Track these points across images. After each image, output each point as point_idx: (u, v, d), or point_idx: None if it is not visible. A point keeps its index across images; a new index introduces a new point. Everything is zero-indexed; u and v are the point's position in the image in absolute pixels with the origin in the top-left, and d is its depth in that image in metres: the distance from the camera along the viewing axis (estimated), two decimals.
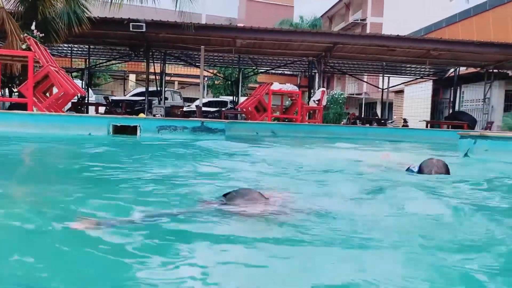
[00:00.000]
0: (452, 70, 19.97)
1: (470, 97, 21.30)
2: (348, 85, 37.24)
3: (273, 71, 24.65)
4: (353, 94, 35.43)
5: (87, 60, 20.44)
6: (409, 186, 2.71)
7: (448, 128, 16.27)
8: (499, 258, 1.40)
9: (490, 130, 15.19)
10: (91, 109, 17.88)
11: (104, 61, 21.95)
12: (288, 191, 2.56)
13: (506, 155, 3.92)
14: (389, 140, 9.26)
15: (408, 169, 3.35)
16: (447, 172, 3.13)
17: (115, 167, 3.19)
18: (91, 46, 18.30)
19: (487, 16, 20.35)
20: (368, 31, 34.85)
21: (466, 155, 4.44)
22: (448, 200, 2.26)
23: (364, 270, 1.27)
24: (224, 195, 2.07)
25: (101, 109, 17.92)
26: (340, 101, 25.65)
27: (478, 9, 21.05)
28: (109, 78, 32.01)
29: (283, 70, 25.83)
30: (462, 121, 16.22)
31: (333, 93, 26.34)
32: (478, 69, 18.36)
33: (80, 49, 19.58)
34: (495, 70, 17.39)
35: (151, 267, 1.27)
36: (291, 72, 28.73)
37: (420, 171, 3.18)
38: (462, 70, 20.09)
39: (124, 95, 23.74)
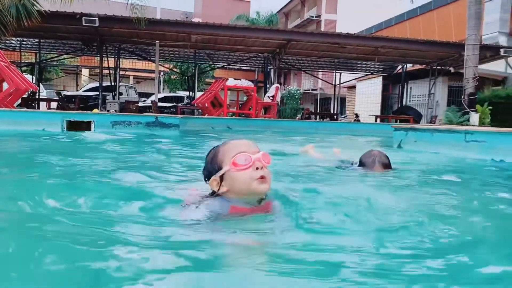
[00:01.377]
0: (400, 66, 20.97)
1: (417, 93, 22.42)
2: (304, 81, 38.01)
3: (231, 66, 24.84)
4: (309, 90, 36.20)
5: (38, 54, 19.81)
6: (354, 181, 2.78)
7: (396, 121, 17.13)
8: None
9: (434, 123, 16.14)
10: (42, 104, 17.41)
11: (56, 55, 21.34)
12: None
13: (430, 145, 4.39)
14: (338, 134, 9.73)
15: (344, 162, 3.30)
16: (388, 160, 3.08)
17: (66, 162, 3.32)
18: (42, 40, 17.77)
19: (432, 15, 21.50)
20: (322, 27, 35.71)
21: (399, 146, 4.90)
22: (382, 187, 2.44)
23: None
24: None
25: (53, 104, 17.49)
26: (296, 96, 26.18)
27: (424, 8, 22.19)
28: (61, 72, 31.06)
29: (240, 66, 26.06)
30: (409, 115, 17.11)
31: (290, 88, 26.86)
32: (423, 65, 19.42)
33: (30, 43, 18.96)
34: (438, 67, 18.46)
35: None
36: (249, 68, 29.02)
37: (362, 164, 3.11)
38: (409, 66, 21.14)
39: (77, 90, 23.19)
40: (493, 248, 1.50)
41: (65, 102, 16.62)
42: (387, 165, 3.03)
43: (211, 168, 1.67)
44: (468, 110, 13.10)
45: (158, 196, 1.93)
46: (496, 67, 18.29)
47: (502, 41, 16.21)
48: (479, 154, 3.70)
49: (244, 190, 1.60)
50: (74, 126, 5.74)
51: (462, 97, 13.56)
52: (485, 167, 3.58)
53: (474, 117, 12.97)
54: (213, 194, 1.68)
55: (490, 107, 13.11)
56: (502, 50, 15.00)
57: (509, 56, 15.62)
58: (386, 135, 5.35)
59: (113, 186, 2.33)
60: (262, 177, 1.57)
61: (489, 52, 15.32)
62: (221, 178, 1.63)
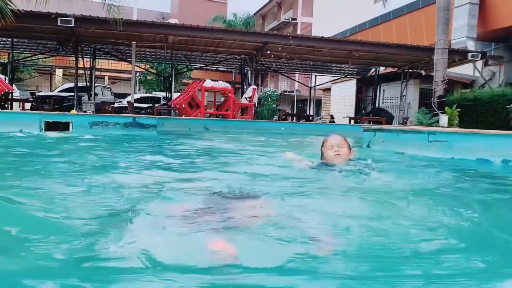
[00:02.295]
0: (373, 69, 21.50)
1: (390, 95, 23.00)
2: (281, 83, 38.37)
3: (208, 67, 24.90)
4: (286, 92, 36.56)
5: (10, 53, 19.43)
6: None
7: (369, 123, 17.59)
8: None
9: (405, 125, 16.65)
10: (16, 105, 17.12)
11: (30, 55, 20.98)
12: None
13: (396, 145, 4.66)
14: (312, 134, 9.99)
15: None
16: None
17: (43, 161, 3.40)
18: (15, 40, 17.46)
19: (404, 19, 22.10)
20: (298, 30, 36.17)
21: (368, 145, 5.16)
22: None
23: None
24: None
25: (27, 105, 17.22)
26: (274, 98, 26.43)
27: (397, 13, 22.77)
28: (34, 72, 30.45)
29: (218, 67, 26.16)
30: (381, 117, 17.60)
31: (267, 90, 27.12)
32: (396, 69, 19.97)
33: (2, 42, 18.60)
34: (410, 70, 19.03)
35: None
36: (226, 69, 29.13)
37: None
38: (382, 69, 21.70)
39: (51, 91, 22.84)
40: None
41: (40, 103, 16.38)
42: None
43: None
44: (438, 112, 13.60)
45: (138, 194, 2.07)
46: (465, 70, 18.99)
47: (470, 45, 16.83)
48: (440, 153, 3.99)
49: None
50: (52, 127, 5.78)
51: (432, 99, 14.06)
52: (446, 164, 3.87)
53: (443, 119, 13.48)
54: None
55: (459, 109, 13.64)
56: (469, 55, 15.61)
57: (476, 60, 16.25)
58: (357, 136, 5.61)
59: (92, 185, 2.46)
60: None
61: (458, 56, 15.92)
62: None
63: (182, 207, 1.93)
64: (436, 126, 13.25)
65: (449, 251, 1.49)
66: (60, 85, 26.15)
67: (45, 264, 1.28)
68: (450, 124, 13.41)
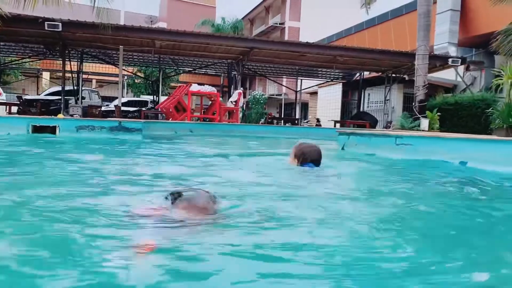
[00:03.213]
0: (358, 74, 21.89)
1: (374, 99, 23.39)
2: (269, 86, 38.65)
3: (196, 71, 25.07)
4: (274, 95, 36.84)
5: None
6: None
7: (353, 126, 17.92)
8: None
9: (389, 128, 17.01)
10: (2, 108, 17.10)
11: (16, 58, 20.95)
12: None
13: (368, 148, 4.93)
14: (296, 137, 10.25)
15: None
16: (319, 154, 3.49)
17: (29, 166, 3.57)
18: (1, 43, 17.46)
19: (389, 25, 22.53)
20: (286, 34, 36.53)
21: (343, 148, 5.41)
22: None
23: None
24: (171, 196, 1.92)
25: (14, 108, 17.21)
26: (261, 101, 26.69)
27: (382, 18, 23.19)
28: (21, 75, 30.30)
29: (206, 70, 26.34)
30: (365, 120, 17.94)
31: (255, 93, 27.36)
32: (380, 73, 20.38)
33: None
34: (393, 75, 19.44)
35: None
36: (215, 73, 29.32)
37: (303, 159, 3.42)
38: (367, 74, 22.09)
39: (38, 94, 22.80)
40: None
41: (26, 106, 16.39)
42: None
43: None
44: (419, 116, 13.98)
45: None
46: (447, 75, 19.45)
47: (452, 51, 17.26)
48: (406, 155, 4.25)
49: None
50: (39, 130, 5.94)
51: (414, 103, 14.43)
52: (410, 165, 4.15)
53: (424, 123, 13.85)
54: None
55: (439, 113, 14.02)
56: (450, 60, 16.04)
57: (456, 65, 16.68)
58: (334, 139, 5.87)
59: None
60: None
61: (439, 61, 16.34)
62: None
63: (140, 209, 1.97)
64: (418, 130, 13.61)
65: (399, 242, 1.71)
66: (47, 88, 26.08)
67: None
68: (431, 128, 13.78)
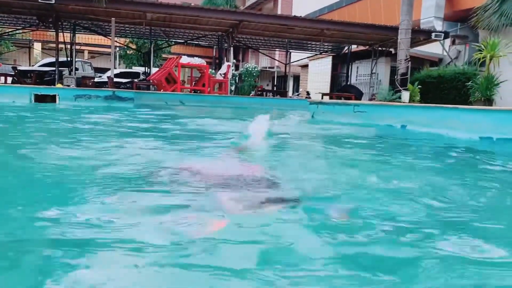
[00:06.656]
0: (346, 47, 22.31)
1: (362, 72, 23.87)
2: (262, 59, 38.81)
3: (189, 42, 25.31)
4: (266, 68, 37.11)
5: None
6: None
7: (340, 98, 18.52)
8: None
9: (373, 100, 17.62)
10: None
11: (8, 30, 21.10)
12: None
13: (332, 115, 5.57)
14: (279, 108, 10.87)
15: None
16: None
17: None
18: None
19: None
20: (279, 6, 36.47)
21: (312, 116, 6.04)
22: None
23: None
24: None
25: (9, 79, 17.56)
26: (254, 74, 27.07)
27: None
28: (12, 46, 30.35)
29: (198, 42, 26.54)
30: (351, 93, 18.52)
31: (247, 66, 27.64)
32: (367, 47, 20.82)
33: None
34: (380, 48, 19.91)
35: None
36: (207, 44, 29.47)
37: None
38: (354, 47, 22.51)
39: (30, 65, 23.03)
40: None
41: (21, 77, 16.76)
42: None
43: None
44: (400, 88, 14.56)
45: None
46: (433, 49, 19.91)
47: (438, 25, 17.64)
48: (362, 121, 4.90)
49: None
50: (40, 99, 6.50)
51: (396, 76, 15.00)
52: (365, 129, 4.80)
53: (405, 95, 14.44)
54: None
55: (420, 86, 14.60)
56: (433, 34, 16.52)
57: (439, 40, 17.17)
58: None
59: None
60: None
61: (422, 35, 16.82)
62: None
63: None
64: (398, 102, 14.24)
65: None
66: (39, 59, 26.26)
67: None
68: (411, 100, 14.38)
